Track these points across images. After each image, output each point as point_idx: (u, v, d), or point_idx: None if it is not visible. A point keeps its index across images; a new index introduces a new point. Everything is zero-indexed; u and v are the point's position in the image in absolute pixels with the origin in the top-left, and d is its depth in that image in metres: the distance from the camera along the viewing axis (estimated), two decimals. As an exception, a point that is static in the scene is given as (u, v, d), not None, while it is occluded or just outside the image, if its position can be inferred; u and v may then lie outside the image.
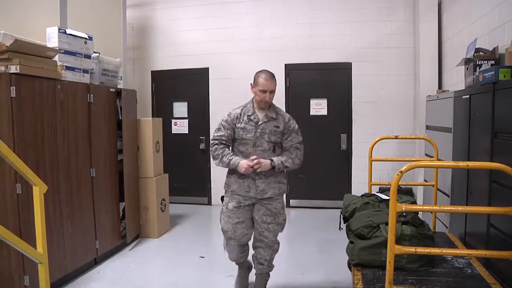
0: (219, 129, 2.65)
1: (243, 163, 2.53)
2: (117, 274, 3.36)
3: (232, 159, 2.58)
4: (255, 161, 2.52)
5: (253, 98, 2.66)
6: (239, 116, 2.63)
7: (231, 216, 2.65)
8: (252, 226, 2.73)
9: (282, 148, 2.69)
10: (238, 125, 2.61)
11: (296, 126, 2.73)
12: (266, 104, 2.60)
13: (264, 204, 2.65)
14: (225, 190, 2.73)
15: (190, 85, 5.83)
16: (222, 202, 2.77)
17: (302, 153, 2.72)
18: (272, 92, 2.59)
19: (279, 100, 5.40)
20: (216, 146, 2.64)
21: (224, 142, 2.64)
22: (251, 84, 2.62)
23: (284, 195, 2.80)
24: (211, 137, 2.72)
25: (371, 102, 5.29)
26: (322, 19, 5.36)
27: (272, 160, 2.58)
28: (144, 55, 5.96)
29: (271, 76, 2.58)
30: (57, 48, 3.18)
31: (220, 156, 2.61)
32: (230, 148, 2.69)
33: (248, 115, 2.61)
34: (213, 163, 6.13)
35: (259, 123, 2.61)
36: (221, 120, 2.67)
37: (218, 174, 5.34)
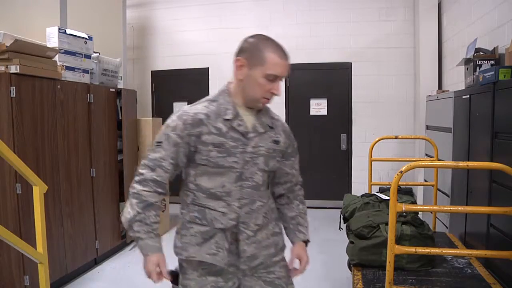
0: (158, 145, 1.37)
1: (150, 265, 1.38)
2: (117, 274, 3.35)
3: (145, 239, 1.36)
4: (296, 270, 1.50)
5: (228, 89, 1.43)
6: (205, 121, 1.36)
7: None
8: None
9: (275, 179, 1.54)
10: (206, 137, 1.35)
11: None
12: (266, 103, 1.41)
13: (259, 276, 1.47)
14: (179, 258, 1.48)
15: (190, 85, 5.82)
16: (175, 284, 1.49)
17: None
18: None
19: (279, 100, 5.41)
20: (144, 190, 1.35)
21: (159, 180, 1.37)
22: (238, 59, 1.36)
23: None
24: (141, 162, 1.41)
25: (371, 102, 5.29)
26: (322, 19, 5.36)
27: (306, 241, 1.55)
28: (144, 55, 5.95)
29: (285, 51, 1.37)
30: (57, 48, 3.18)
31: (137, 220, 1.34)
32: (167, 186, 1.43)
33: (226, 119, 1.37)
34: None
35: (250, 135, 1.39)
36: (164, 127, 1.41)
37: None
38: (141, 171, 1.37)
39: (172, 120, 1.40)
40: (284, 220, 1.58)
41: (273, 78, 1.34)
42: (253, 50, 1.34)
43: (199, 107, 1.39)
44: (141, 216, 1.34)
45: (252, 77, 1.33)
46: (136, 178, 1.37)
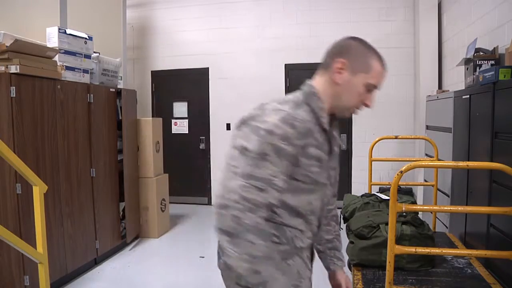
0: (263, 158, 1.02)
1: None
2: (117, 274, 3.36)
3: (279, 278, 1.15)
4: None
5: (317, 91, 1.21)
6: (312, 129, 1.13)
7: None
8: None
9: None
10: (312, 150, 1.12)
11: None
12: (353, 114, 1.26)
13: None
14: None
15: (190, 85, 5.83)
16: None
17: None
18: None
19: (279, 100, 5.40)
20: (259, 217, 1.02)
21: (273, 203, 1.10)
22: (341, 61, 1.17)
23: None
24: (239, 184, 1.01)
25: (371, 102, 5.28)
26: (322, 19, 5.36)
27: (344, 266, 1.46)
28: (144, 55, 5.96)
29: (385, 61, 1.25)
30: (57, 48, 3.18)
31: (263, 257, 1.04)
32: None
33: (324, 130, 1.17)
34: (214, 163, 6.16)
35: (335, 148, 1.26)
36: (263, 133, 1.04)
37: (218, 174, 5.33)
38: (244, 194, 1.00)
39: (275, 125, 1.05)
40: (319, 242, 1.42)
41: (372, 88, 1.19)
42: (356, 54, 1.19)
43: (303, 113, 1.12)
44: (266, 251, 1.05)
45: (353, 84, 1.17)
46: (239, 205, 1.00)
